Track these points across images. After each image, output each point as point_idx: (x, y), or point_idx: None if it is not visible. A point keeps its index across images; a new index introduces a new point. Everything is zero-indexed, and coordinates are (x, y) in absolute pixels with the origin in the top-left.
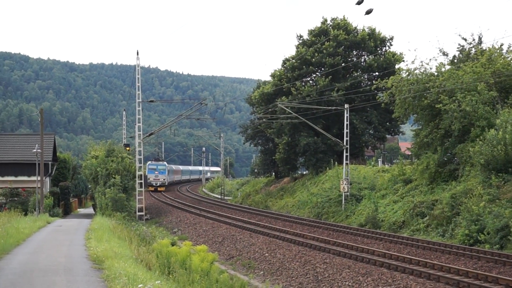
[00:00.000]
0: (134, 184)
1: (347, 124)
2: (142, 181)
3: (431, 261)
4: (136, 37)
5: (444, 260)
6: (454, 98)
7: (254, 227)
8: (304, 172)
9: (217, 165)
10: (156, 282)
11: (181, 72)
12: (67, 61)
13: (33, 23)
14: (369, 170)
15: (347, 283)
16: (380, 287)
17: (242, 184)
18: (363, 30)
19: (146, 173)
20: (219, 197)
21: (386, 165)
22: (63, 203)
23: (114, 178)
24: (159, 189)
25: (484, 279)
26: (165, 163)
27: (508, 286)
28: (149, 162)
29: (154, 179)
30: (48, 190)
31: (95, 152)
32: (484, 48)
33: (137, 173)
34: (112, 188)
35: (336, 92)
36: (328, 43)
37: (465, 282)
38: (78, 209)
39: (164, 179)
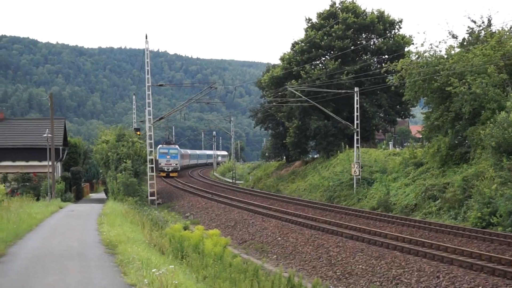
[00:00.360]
0: (146, 169)
1: (357, 108)
2: (154, 165)
3: (444, 244)
4: (145, 21)
5: (457, 243)
6: (464, 80)
7: (266, 211)
8: (315, 156)
9: (227, 149)
10: (170, 266)
11: (190, 56)
12: (76, 45)
13: (42, 7)
14: (380, 154)
15: (360, 266)
16: (393, 270)
17: (253, 168)
18: (372, 13)
19: (157, 158)
20: (231, 181)
21: (397, 148)
22: (74, 188)
23: (125, 162)
24: (171, 174)
25: (498, 261)
26: (177, 146)
27: None
28: (160, 146)
29: (165, 164)
30: (59, 175)
31: (106, 137)
32: (493, 31)
33: (148, 157)
34: (123, 172)
35: (345, 75)
36: (337, 26)
37: (478, 265)
38: (90, 194)
39: (176, 164)
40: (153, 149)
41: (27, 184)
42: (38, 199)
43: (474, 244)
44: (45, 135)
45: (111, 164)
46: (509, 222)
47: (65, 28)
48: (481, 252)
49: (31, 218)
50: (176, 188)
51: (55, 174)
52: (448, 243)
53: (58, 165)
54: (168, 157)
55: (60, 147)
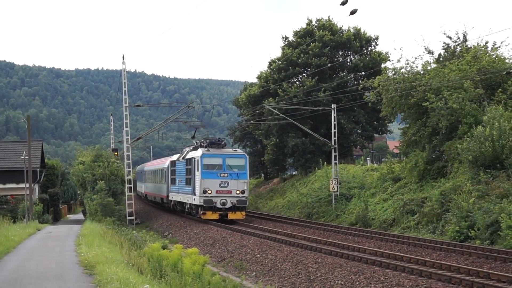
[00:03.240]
0: (123, 188)
1: (334, 124)
2: (132, 185)
3: (423, 258)
4: (122, 42)
5: (435, 257)
6: (440, 96)
7: (245, 229)
8: (293, 173)
9: None
10: (145, 286)
11: (167, 76)
12: (53, 67)
13: (17, 30)
14: (358, 169)
15: (339, 282)
16: (372, 285)
17: None
18: (349, 30)
19: (183, 177)
20: None
21: (375, 164)
22: (52, 209)
23: (99, 183)
24: (231, 216)
25: (476, 274)
26: (243, 154)
27: (500, 281)
28: (202, 151)
29: (220, 191)
30: (37, 197)
31: (83, 158)
32: (469, 46)
33: (126, 177)
34: (99, 193)
35: (323, 92)
36: (313, 44)
37: (457, 278)
38: (68, 215)
39: (244, 191)
40: (131, 169)
41: (4, 206)
42: (15, 222)
43: (452, 258)
44: (22, 157)
45: (88, 185)
46: (487, 235)
47: (41, 50)
48: (460, 266)
49: (8, 240)
50: (154, 208)
51: (32, 196)
52: (426, 257)
53: (36, 187)
54: (224, 174)
55: (38, 169)
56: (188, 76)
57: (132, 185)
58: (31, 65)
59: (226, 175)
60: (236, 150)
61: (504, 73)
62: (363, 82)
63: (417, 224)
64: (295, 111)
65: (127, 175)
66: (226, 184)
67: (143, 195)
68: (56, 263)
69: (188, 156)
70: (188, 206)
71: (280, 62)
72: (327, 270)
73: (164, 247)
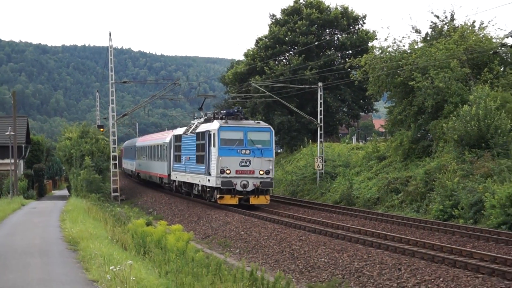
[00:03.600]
0: (109, 165)
1: (321, 103)
2: (117, 162)
3: (406, 237)
4: (109, 18)
5: (419, 236)
6: (427, 75)
7: (230, 206)
8: (279, 151)
9: None
10: (129, 262)
11: (154, 53)
12: (39, 43)
13: (3, 5)
14: (343, 148)
15: (323, 259)
16: (355, 263)
17: None
18: (336, 8)
19: (192, 154)
20: None
21: (360, 143)
22: (37, 185)
23: (86, 159)
24: (253, 201)
25: (459, 253)
26: (268, 126)
27: (482, 260)
28: (219, 124)
29: (240, 171)
30: (22, 173)
31: (69, 134)
32: (456, 25)
33: (111, 154)
34: (86, 169)
35: (309, 70)
36: (301, 22)
37: (439, 257)
38: (53, 191)
39: (268, 171)
40: (116, 146)
41: None
42: (0, 197)
43: (435, 237)
44: (7, 133)
45: (74, 161)
46: (471, 214)
47: (28, 26)
48: (443, 244)
49: None
50: (139, 184)
51: (17, 171)
52: (410, 236)
53: (21, 162)
54: (245, 151)
55: (23, 145)
56: (175, 53)
57: (117, 162)
58: (17, 41)
59: (248, 152)
60: (259, 123)
61: (490, 52)
62: (349, 60)
63: (401, 203)
64: (282, 89)
65: (113, 152)
66: (247, 163)
67: (134, 173)
68: (40, 238)
69: (200, 130)
70: (199, 188)
71: (267, 40)
72: (310, 247)
73: (148, 224)
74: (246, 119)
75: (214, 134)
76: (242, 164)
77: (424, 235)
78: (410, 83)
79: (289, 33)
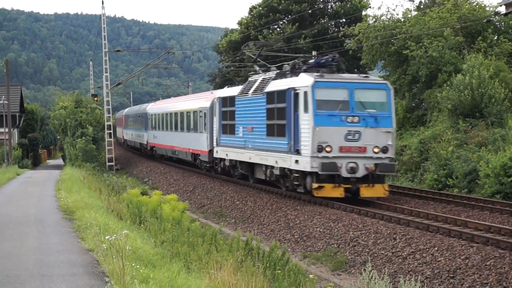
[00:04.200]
0: (104, 135)
1: None
2: (111, 131)
3: (401, 206)
4: None
5: (413, 205)
6: (421, 44)
7: (225, 176)
8: None
9: None
10: (124, 231)
11: (147, 21)
12: (32, 11)
13: None
14: None
15: (318, 229)
16: (350, 232)
17: None
18: None
19: (258, 123)
20: None
21: None
22: (32, 154)
23: (86, 129)
24: (365, 193)
25: (453, 222)
26: (385, 83)
27: (477, 229)
28: (313, 78)
29: (347, 148)
30: (16, 142)
31: (64, 103)
32: None
33: (106, 123)
34: (83, 138)
35: (303, 39)
36: None
37: (434, 226)
38: (48, 160)
39: (386, 146)
40: (111, 115)
41: None
42: None
43: (430, 206)
44: (1, 101)
45: (69, 130)
46: (465, 183)
47: None
48: (437, 214)
49: None
50: (135, 154)
51: (11, 140)
52: (405, 205)
53: (15, 131)
54: (353, 119)
55: (17, 114)
56: (168, 21)
57: (112, 131)
58: (9, 9)
59: (356, 120)
60: (367, 77)
61: (484, 21)
62: (343, 29)
63: (396, 172)
64: (276, 57)
65: (107, 121)
66: (357, 136)
67: (146, 147)
68: (36, 208)
69: (273, 88)
70: (276, 172)
71: (261, 8)
72: (306, 217)
73: (143, 193)
74: (343, 73)
75: (305, 93)
76: (349, 137)
77: (419, 204)
78: (404, 52)
79: (283, 1)
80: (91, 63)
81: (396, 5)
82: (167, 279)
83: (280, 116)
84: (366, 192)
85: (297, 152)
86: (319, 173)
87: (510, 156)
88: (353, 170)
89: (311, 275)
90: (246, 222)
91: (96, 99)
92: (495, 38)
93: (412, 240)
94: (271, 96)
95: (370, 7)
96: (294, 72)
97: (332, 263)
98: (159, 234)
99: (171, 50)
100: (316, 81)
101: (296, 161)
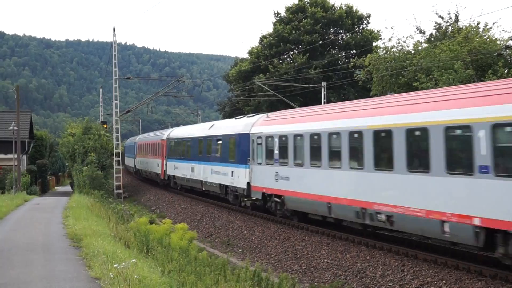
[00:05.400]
0: (112, 162)
1: (324, 102)
2: (120, 158)
3: (409, 238)
4: (113, 14)
5: (421, 237)
6: (431, 76)
7: (232, 205)
8: None
9: None
10: (132, 260)
11: (158, 49)
12: (43, 38)
13: None
14: None
15: (325, 260)
16: (358, 264)
17: None
18: (341, 7)
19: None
20: None
21: None
22: (40, 181)
23: (91, 155)
24: None
25: (461, 256)
26: None
27: (485, 262)
28: None
29: None
30: (25, 168)
31: (72, 130)
32: (461, 27)
33: (115, 150)
34: (89, 165)
35: (313, 69)
36: (305, 20)
37: (442, 259)
38: (56, 187)
39: None
40: (120, 142)
41: None
42: (3, 192)
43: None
44: (11, 127)
45: (77, 157)
46: None
47: (32, 20)
48: (446, 246)
49: None
50: (142, 182)
51: (20, 167)
52: (412, 237)
53: (24, 158)
54: None
55: (26, 140)
56: (178, 50)
57: (120, 159)
58: (21, 35)
59: None
60: None
61: (495, 54)
62: (354, 60)
63: None
64: (285, 87)
65: (116, 148)
66: None
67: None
68: (43, 235)
69: None
70: None
71: (271, 38)
72: (313, 248)
73: (151, 222)
74: None
75: None
76: None
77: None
78: (414, 84)
79: (294, 32)
80: (101, 90)
81: (407, 37)
82: None
83: None
84: None
85: None
86: None
87: None
88: None
89: None
90: (254, 252)
91: (105, 126)
92: (506, 71)
93: (420, 273)
94: None
95: (380, 38)
96: None
97: None
98: (166, 263)
99: (181, 78)
100: None
101: None
